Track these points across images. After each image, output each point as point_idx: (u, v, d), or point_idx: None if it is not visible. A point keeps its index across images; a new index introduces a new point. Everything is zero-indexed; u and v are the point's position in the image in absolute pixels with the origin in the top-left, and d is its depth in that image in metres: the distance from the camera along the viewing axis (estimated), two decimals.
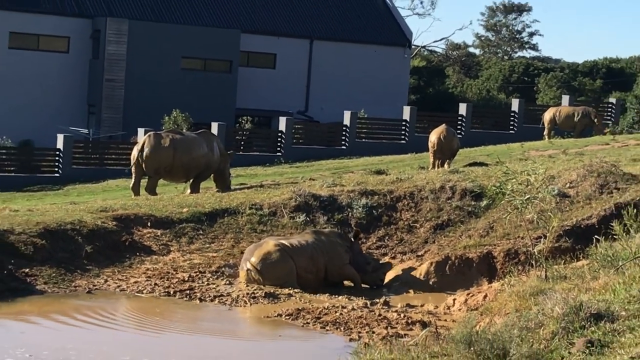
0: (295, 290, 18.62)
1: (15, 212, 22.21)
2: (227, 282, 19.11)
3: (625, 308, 9.76)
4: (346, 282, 19.72)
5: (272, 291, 18.34)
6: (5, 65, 50.69)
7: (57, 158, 40.03)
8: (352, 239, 20.14)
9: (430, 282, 19.48)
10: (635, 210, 14.72)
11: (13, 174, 39.09)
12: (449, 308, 17.51)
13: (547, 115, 44.98)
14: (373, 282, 19.64)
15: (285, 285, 18.67)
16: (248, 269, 18.93)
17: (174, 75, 51.92)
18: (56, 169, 39.77)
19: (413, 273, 19.90)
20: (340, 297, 18.33)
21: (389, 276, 20.03)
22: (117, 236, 20.91)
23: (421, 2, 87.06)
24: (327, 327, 16.13)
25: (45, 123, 48.29)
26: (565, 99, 51.57)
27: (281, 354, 15.14)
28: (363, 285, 19.68)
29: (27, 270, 18.88)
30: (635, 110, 51.27)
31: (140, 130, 38.77)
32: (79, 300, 17.64)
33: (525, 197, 20.45)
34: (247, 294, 18.20)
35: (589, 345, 8.79)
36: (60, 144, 40.37)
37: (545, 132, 44.28)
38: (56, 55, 52.27)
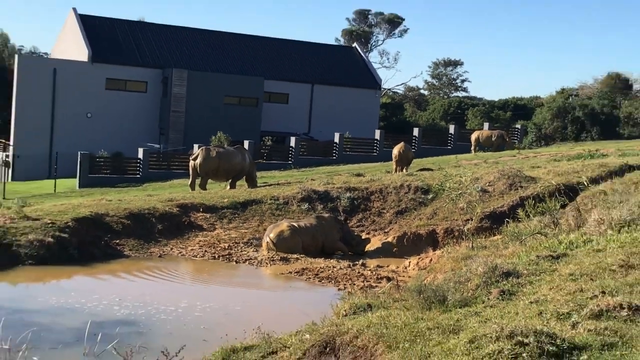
0: (301, 255, 18.72)
1: (109, 202, 22.27)
2: (254, 249, 19.18)
3: (527, 268, 9.77)
4: (338, 253, 19.74)
5: (285, 256, 18.38)
6: (103, 101, 50.69)
7: (138, 164, 40.05)
8: (343, 222, 20.19)
9: (393, 250, 19.54)
10: (533, 202, 14.75)
11: (108, 175, 39.12)
12: (406, 268, 17.54)
13: (473, 136, 45.12)
14: (357, 252, 19.68)
15: (293, 253, 18.77)
16: (267, 242, 19.04)
17: (218, 108, 51.80)
18: (138, 172, 39.77)
19: (381, 244, 19.98)
20: (332, 261, 18.38)
21: (370, 247, 20.11)
22: (179, 218, 20.99)
23: (387, 59, 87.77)
24: (323, 281, 16.17)
25: (130, 140, 48.24)
26: (486, 125, 51.64)
27: (291, 299, 15.17)
28: (350, 254, 19.72)
29: (117, 241, 18.96)
30: (534, 133, 51.39)
31: (195, 146, 38.72)
32: (153, 262, 17.69)
33: (458, 192, 20.55)
34: (268, 257, 18.24)
35: (501, 293, 8.79)
36: (140, 155, 40.41)
37: (472, 148, 44.36)
38: (138, 94, 52.17)
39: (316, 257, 18.78)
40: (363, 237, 20.41)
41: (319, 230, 19.43)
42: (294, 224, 19.41)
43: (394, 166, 31.58)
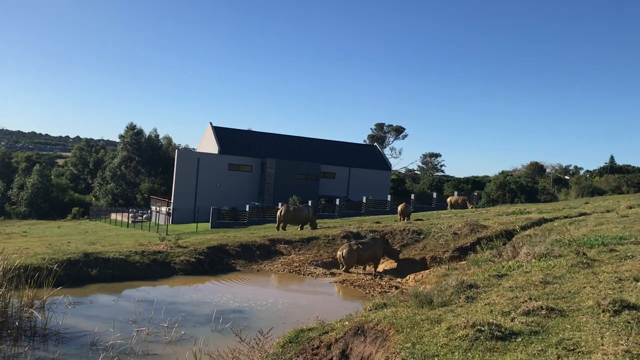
0: (342, 269, 18.29)
1: (228, 237, 22.29)
2: (314, 267, 18.93)
3: (482, 282, 9.48)
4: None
5: (333, 272, 18.11)
6: (226, 177, 51.43)
7: (246, 215, 40.23)
8: (387, 241, 19.81)
9: (399, 269, 19.14)
10: (486, 241, 14.39)
11: (228, 221, 39.32)
12: (407, 281, 17.15)
13: (448, 200, 44.28)
14: (395, 259, 19.08)
15: (355, 263, 17.93)
16: (339, 255, 18.40)
17: (294, 182, 52.12)
18: (245, 219, 39.99)
19: (392, 265, 19.59)
20: (361, 274, 18.05)
21: (385, 267, 19.67)
22: (269, 247, 20.84)
23: (395, 152, 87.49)
24: (356, 287, 15.86)
25: (241, 200, 48.76)
26: (455, 193, 50.80)
27: (337, 298, 14.91)
28: (381, 266, 18.99)
29: (232, 261, 18.90)
30: (485, 198, 50.33)
31: (280, 203, 39.00)
32: (253, 274, 17.59)
33: (439, 234, 20.13)
34: (323, 272, 17.99)
35: (467, 298, 8.52)
36: (247, 209, 40.55)
37: (448, 207, 43.58)
38: (246, 173, 52.85)
39: (370, 265, 18.16)
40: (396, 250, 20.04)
41: (372, 246, 18.78)
42: (356, 244, 18.52)
43: (399, 217, 31.23)
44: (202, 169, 50.64)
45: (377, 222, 27.05)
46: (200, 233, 33.48)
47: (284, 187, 51.08)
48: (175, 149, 67.16)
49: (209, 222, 39.48)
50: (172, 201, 50.17)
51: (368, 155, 61.49)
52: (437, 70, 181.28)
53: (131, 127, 72.16)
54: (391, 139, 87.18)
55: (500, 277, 9.71)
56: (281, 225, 27.87)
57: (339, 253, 18.53)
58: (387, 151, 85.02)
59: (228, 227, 36.67)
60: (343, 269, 18.15)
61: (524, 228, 19.12)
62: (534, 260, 10.73)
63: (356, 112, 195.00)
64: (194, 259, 17.60)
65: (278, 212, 28.18)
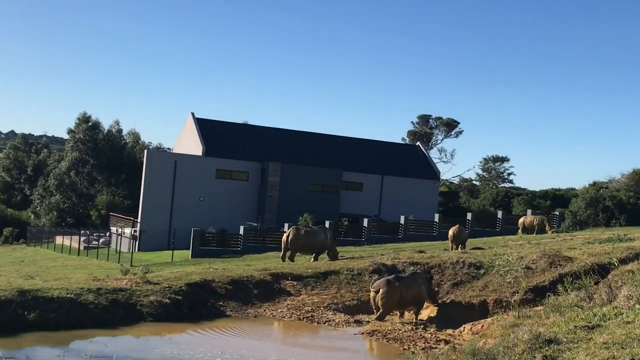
0: (375, 316, 18.23)
1: (215, 270, 22.46)
2: (333, 312, 18.96)
3: (566, 336, 9.40)
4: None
5: (359, 319, 18.12)
6: (213, 188, 51.80)
7: (239, 239, 40.35)
8: (430, 280, 19.77)
9: (450, 317, 19.02)
10: (571, 278, 14.30)
11: (215, 248, 39.49)
12: (461, 332, 17.06)
13: (520, 221, 44.07)
14: (436, 303, 19.31)
15: (394, 305, 18.14)
16: (372, 297, 18.39)
17: (305, 194, 52.26)
18: (239, 246, 40.07)
19: (440, 311, 19.49)
20: (397, 323, 18.02)
21: (430, 313, 19.60)
22: (271, 285, 20.96)
23: (445, 155, 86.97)
24: (390, 341, 15.84)
25: (234, 219, 48.97)
26: (529, 211, 50.51)
27: (363, 357, 14.89)
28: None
29: (221, 302, 19.03)
30: (570, 219, 49.93)
31: (286, 225, 39.10)
32: (249, 322, 17.67)
33: (506, 269, 20.03)
34: (344, 320, 18.01)
35: (544, 358, 8.46)
36: (241, 231, 40.77)
37: (518, 231, 43.32)
38: (241, 182, 53.11)
39: (410, 311, 18.43)
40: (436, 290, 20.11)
41: (416, 283, 18.64)
42: (396, 279, 18.48)
43: (450, 245, 31.09)
44: (181, 176, 51.19)
45: (420, 252, 26.98)
46: (177, 264, 33.65)
47: (293, 202, 51.32)
48: (144, 148, 67.82)
49: (189, 249, 39.78)
50: (139, 220, 50.73)
51: (408, 159, 61.60)
52: (504, 48, 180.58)
53: (84, 119, 71.82)
54: (440, 137, 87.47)
55: (591, 329, 9.63)
56: (288, 254, 27.96)
57: (372, 292, 18.36)
58: (433, 153, 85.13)
59: (215, 257, 36.90)
60: (377, 315, 18.10)
61: (624, 261, 18.93)
62: (638, 306, 10.62)
63: (392, 100, 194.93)
64: (168, 300, 17.73)
65: (284, 237, 28.32)
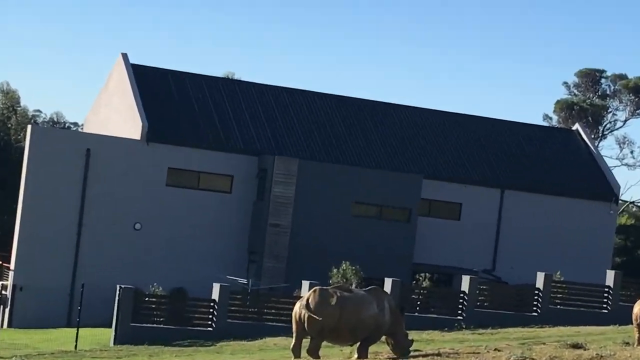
0: None
1: None
2: None
3: None
4: None
5: None
6: (161, 204, 51.89)
7: (211, 310, 40.22)
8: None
9: None
10: None
11: (162, 326, 39.42)
12: None
13: None
14: None
15: None
16: None
17: (345, 222, 52.26)
18: (210, 322, 39.98)
19: None
20: None
21: None
22: None
23: (631, 152, 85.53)
24: None
25: (200, 270, 49.06)
26: None
27: None
28: None
29: None
30: None
31: (305, 284, 38.95)
32: None
33: None
34: None
35: None
36: (215, 295, 40.64)
37: None
38: (217, 195, 53.29)
39: None
40: None
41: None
42: None
43: (637, 334, 30.79)
44: (98, 179, 51.84)
45: (576, 346, 26.73)
46: (85, 356, 33.57)
47: (319, 237, 51.39)
48: (28, 123, 68.16)
49: (109, 327, 39.90)
50: (11, 267, 51.08)
51: (554, 158, 61.45)
52: None
53: None
54: (621, 115, 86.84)
55: None
56: (303, 338, 27.79)
57: None
58: (608, 146, 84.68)
59: (161, 343, 36.98)
60: None
61: None
62: None
63: (519, 42, 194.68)
64: None
65: (297, 308, 27.92)
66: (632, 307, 31.99)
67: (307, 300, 27.86)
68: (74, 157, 51.25)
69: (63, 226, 50.67)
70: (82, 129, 66.55)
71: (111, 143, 52.57)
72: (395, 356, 26.82)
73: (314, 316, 26.74)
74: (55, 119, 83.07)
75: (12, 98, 78.32)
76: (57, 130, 67.20)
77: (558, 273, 47.49)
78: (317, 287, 28.92)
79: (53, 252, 50.11)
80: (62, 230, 50.63)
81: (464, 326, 40.58)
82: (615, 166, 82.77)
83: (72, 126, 78.93)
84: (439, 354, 27.72)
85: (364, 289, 29.38)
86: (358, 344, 28.03)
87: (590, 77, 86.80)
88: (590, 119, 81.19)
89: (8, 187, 61.58)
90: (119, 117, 55.64)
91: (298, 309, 27.93)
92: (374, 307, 27.81)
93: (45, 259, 49.92)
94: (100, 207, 51.10)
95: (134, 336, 38.21)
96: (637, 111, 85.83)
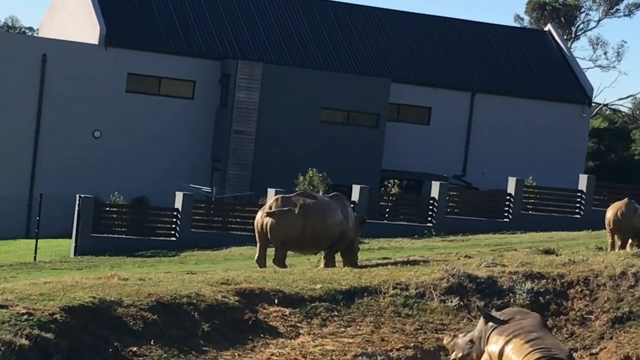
0: None
1: (124, 281, 22.39)
2: None
3: None
4: None
5: None
6: (120, 111, 51.68)
7: (174, 219, 40.38)
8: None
9: None
10: None
11: (124, 236, 39.53)
12: None
13: None
14: None
15: None
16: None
17: (312, 129, 52.17)
18: (173, 232, 40.13)
19: None
20: None
21: None
22: (239, 314, 20.79)
23: (605, 53, 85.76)
24: None
25: (162, 179, 49.04)
26: None
27: None
28: None
29: (134, 349, 18.94)
30: None
31: (271, 191, 38.92)
32: None
33: None
34: None
35: None
36: (178, 204, 40.78)
37: None
38: (179, 102, 53.14)
39: None
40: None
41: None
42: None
43: (610, 239, 31.01)
44: (54, 86, 51.74)
45: (548, 252, 26.89)
46: (45, 267, 33.61)
47: (285, 144, 51.36)
48: None
49: (69, 237, 40.00)
50: None
51: (526, 61, 61.41)
52: None
53: None
54: (595, 14, 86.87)
55: None
56: (267, 248, 27.75)
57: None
58: (581, 47, 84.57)
59: (124, 253, 37.15)
60: None
61: None
62: None
63: None
64: (26, 341, 17.76)
65: (259, 217, 27.77)
66: (605, 212, 32.32)
67: (270, 207, 27.81)
68: (30, 64, 50.94)
69: (19, 135, 50.45)
70: (37, 33, 65.88)
71: (68, 48, 52.25)
72: (347, 265, 26.90)
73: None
74: (9, 24, 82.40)
75: None
76: (12, 35, 66.62)
77: (530, 178, 47.70)
78: (279, 196, 28.92)
79: (9, 162, 49.99)
80: (18, 139, 50.43)
81: (434, 233, 40.82)
82: (588, 68, 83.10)
83: (27, 31, 78.38)
84: (408, 262, 27.79)
85: (329, 195, 29.38)
86: (325, 252, 28.09)
87: None
88: (562, 19, 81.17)
89: None
90: (75, 20, 55.17)
91: (260, 218, 27.83)
92: (339, 214, 27.81)
93: (1, 169, 49.71)
94: (58, 115, 50.86)
95: (95, 247, 38.26)
96: (611, 11, 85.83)
